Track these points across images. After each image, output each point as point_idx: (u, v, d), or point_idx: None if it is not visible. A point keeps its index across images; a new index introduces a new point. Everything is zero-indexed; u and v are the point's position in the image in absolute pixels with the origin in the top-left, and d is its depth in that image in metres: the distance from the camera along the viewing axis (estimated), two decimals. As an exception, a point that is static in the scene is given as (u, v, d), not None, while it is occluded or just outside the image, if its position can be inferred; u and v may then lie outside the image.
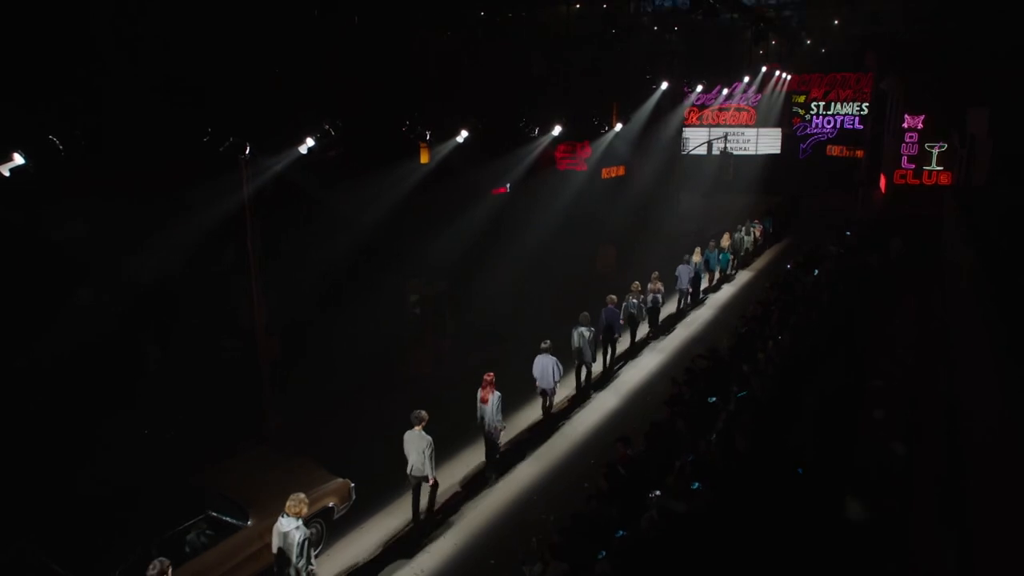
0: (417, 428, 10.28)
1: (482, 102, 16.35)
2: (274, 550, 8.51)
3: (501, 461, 12.13)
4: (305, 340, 14.25)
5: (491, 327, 17.22)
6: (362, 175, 14.28)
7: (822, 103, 34.27)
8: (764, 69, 33.56)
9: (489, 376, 11.61)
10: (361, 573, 10.04)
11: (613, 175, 31.47)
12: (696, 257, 20.07)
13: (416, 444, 10.25)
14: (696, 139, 34.79)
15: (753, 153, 35.37)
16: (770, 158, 35.07)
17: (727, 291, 22.75)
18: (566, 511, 9.19)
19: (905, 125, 27.18)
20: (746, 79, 33.57)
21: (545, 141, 20.39)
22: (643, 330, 17.50)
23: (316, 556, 10.10)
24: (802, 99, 34.92)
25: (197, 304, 14.44)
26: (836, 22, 30.04)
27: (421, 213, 17.54)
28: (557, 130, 19.41)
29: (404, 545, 10.57)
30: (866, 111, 33.01)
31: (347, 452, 12.18)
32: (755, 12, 26.29)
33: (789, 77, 34.33)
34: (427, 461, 10.20)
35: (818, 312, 15.42)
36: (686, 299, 19.65)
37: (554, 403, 13.75)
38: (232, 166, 10.85)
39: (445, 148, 16.10)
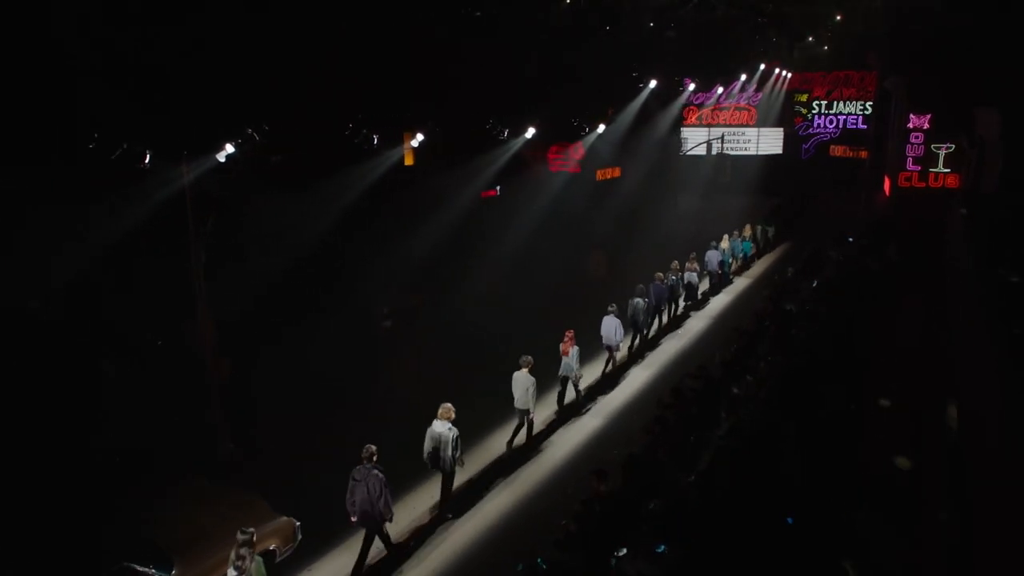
0: (524, 370, 12.32)
1: (455, 103, 15.31)
2: (427, 449, 10.54)
3: (579, 405, 14.19)
4: (263, 357, 13.23)
5: (473, 331, 16.25)
6: (314, 181, 13.20)
7: (824, 102, 33.15)
8: (763, 67, 32.47)
9: (569, 333, 13.62)
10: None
11: (608, 176, 30.50)
12: (724, 244, 22.18)
13: (522, 383, 12.28)
14: (695, 139, 33.73)
15: (754, 153, 34.27)
16: (771, 158, 33.96)
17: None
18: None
19: (910, 125, 26.11)
20: (743, 77, 32.47)
21: (518, 144, 19.30)
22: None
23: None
24: (804, 98, 33.81)
25: (152, 318, 13.47)
26: (839, 18, 28.96)
27: (394, 218, 16.52)
28: (531, 132, 18.32)
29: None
30: (870, 110, 31.88)
31: (307, 478, 11.27)
32: (754, 7, 25.21)
33: (790, 75, 33.23)
34: (530, 398, 12.24)
35: (816, 325, 14.39)
36: (714, 279, 21.88)
37: (617, 359, 15.87)
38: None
39: (397, 153, 14.96)
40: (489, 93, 16.20)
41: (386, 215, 15.97)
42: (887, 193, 28.31)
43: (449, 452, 10.42)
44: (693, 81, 31.92)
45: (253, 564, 7.86)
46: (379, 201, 15.25)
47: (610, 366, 15.72)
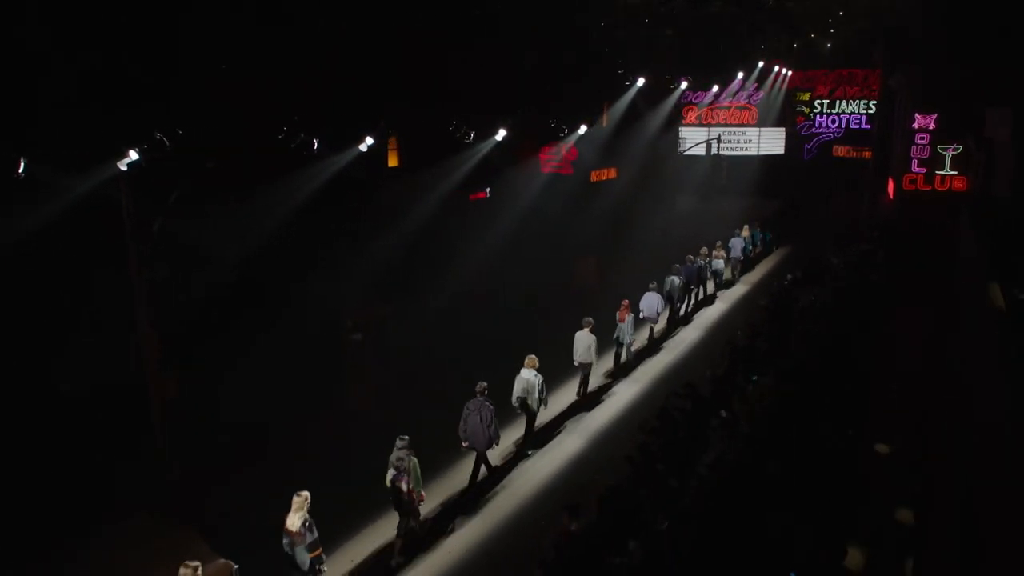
0: (586, 329, 14.03)
1: (411, 104, 14.29)
2: (516, 393, 12.08)
3: (631, 365, 16.27)
4: (216, 373, 12.29)
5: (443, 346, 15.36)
6: (253, 188, 12.18)
7: (826, 101, 32.10)
8: (761, 64, 31.43)
9: (625, 302, 15.44)
10: None
11: (603, 178, 29.57)
12: (745, 233, 23.93)
13: (584, 341, 13.98)
14: (693, 139, 32.71)
15: (755, 153, 33.25)
16: (770, 159, 32.94)
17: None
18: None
19: (916, 125, 25.00)
20: (740, 75, 31.44)
21: (487, 147, 18.26)
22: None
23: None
24: (806, 96, 32.79)
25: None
26: (841, 13, 27.96)
27: (361, 223, 15.56)
28: (501, 134, 17.25)
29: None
30: (874, 109, 30.81)
31: (259, 509, 10.34)
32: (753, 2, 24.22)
33: (790, 73, 32.20)
34: (592, 354, 14.02)
35: (813, 345, 13.40)
36: (736, 265, 23.73)
37: (656, 330, 17.90)
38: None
39: (345, 156, 13.93)
40: (452, 93, 15.16)
41: (343, 222, 15.03)
42: (891, 196, 27.23)
43: (535, 395, 12.10)
44: (687, 79, 30.91)
45: (410, 463, 9.44)
46: (332, 207, 14.29)
47: (651, 336, 17.74)
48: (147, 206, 10.12)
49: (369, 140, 13.18)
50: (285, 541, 8.32)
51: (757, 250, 25.49)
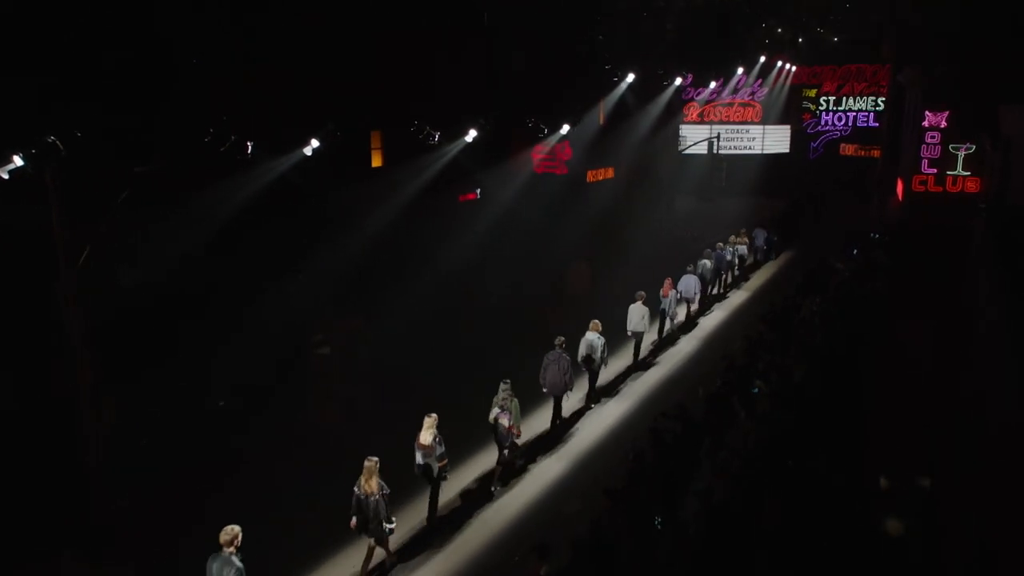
0: (639, 302, 15.24)
1: (366, 101, 13.27)
2: (581, 354, 13.17)
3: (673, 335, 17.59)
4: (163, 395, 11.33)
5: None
6: (188, 195, 11.19)
7: (833, 98, 30.96)
8: (763, 59, 30.33)
9: (668, 279, 16.71)
10: None
11: (600, 178, 28.63)
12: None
13: (638, 312, 15.19)
14: (694, 137, 31.65)
15: (759, 152, 32.16)
16: (772, 158, 31.83)
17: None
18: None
19: (926, 123, 23.93)
20: (740, 71, 30.33)
21: (456, 148, 17.27)
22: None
23: None
24: (812, 93, 31.73)
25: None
26: (847, 5, 26.93)
27: (331, 228, 14.61)
28: (471, 135, 16.23)
29: None
30: (883, 106, 29.70)
31: (202, 541, 9.43)
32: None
33: (794, 69, 31.09)
34: (645, 323, 15.26)
35: (812, 357, 12.40)
36: (760, 255, 25.14)
37: (693, 310, 19.11)
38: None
39: (287, 161, 12.93)
40: (418, 90, 14.11)
41: (311, 228, 14.10)
42: (900, 198, 26.17)
43: (598, 355, 13.30)
44: (683, 76, 29.84)
45: (512, 403, 10.71)
46: (299, 213, 13.35)
47: (687, 317, 18.91)
48: (80, 215, 9.18)
49: (315, 143, 12.10)
50: (418, 453, 9.70)
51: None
